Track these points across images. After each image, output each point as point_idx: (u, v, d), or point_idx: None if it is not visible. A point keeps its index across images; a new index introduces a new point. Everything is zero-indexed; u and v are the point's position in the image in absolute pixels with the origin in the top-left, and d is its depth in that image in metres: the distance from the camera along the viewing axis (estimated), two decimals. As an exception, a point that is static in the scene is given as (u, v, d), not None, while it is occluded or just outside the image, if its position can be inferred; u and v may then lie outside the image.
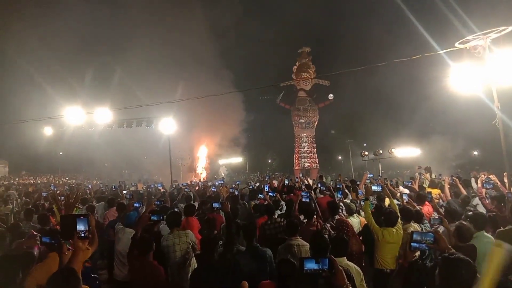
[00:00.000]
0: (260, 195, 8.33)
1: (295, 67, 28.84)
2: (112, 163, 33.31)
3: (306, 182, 12.64)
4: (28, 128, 21.65)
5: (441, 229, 5.84)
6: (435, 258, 4.34)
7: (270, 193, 8.65)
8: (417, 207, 6.26)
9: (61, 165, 28.37)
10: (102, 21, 25.89)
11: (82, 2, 26.07)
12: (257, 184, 15.01)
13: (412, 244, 3.35)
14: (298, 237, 4.83)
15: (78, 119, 18.12)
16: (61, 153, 28.98)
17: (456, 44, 9.26)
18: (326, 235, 5.55)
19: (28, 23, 23.99)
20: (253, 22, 29.49)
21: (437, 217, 5.66)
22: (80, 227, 2.99)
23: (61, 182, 25.95)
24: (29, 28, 23.89)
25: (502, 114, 8.76)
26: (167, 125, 18.88)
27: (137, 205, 6.70)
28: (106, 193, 13.36)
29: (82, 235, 3.00)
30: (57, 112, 17.06)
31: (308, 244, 4.52)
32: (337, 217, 6.15)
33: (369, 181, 9.43)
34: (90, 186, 16.37)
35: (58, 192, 13.00)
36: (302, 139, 28.87)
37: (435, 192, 8.34)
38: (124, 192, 11.77)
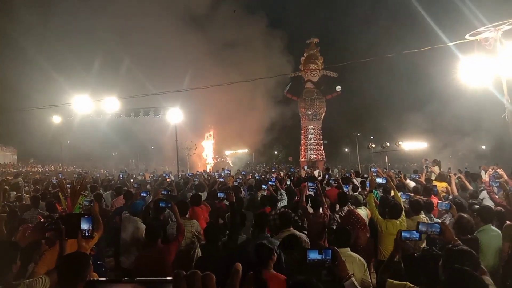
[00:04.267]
0: (264, 186, 8.33)
1: (303, 58, 28.60)
2: (119, 152, 33.56)
3: (312, 174, 12.63)
4: (37, 116, 21.82)
5: (447, 220, 5.84)
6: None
7: (269, 182, 8.66)
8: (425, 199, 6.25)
9: (69, 154, 28.58)
10: (111, 10, 25.86)
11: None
12: (262, 176, 15.02)
13: (403, 234, 3.33)
14: (292, 228, 4.86)
15: (86, 107, 18.20)
16: (68, 141, 29.18)
17: (467, 36, 9.11)
18: (335, 226, 5.60)
19: (38, 10, 24.07)
20: (261, 13, 29.11)
21: (446, 203, 5.63)
22: (84, 226, 3.07)
23: (68, 171, 26.21)
24: (39, 16, 23.99)
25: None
26: (174, 115, 18.92)
27: (144, 194, 6.74)
28: (113, 182, 13.46)
29: (86, 234, 3.08)
30: (66, 101, 17.15)
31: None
32: (346, 208, 6.15)
33: (374, 173, 9.37)
34: (98, 175, 16.51)
35: (65, 180, 13.13)
36: (309, 130, 28.75)
37: (442, 185, 8.28)
38: (131, 180, 11.86)
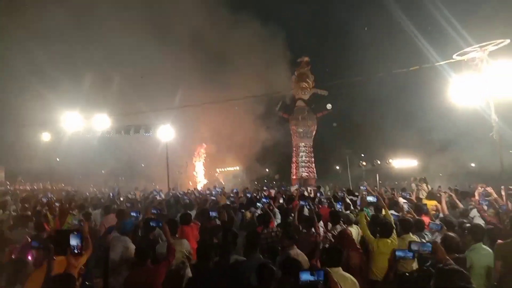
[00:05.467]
0: (258, 204, 8.27)
1: (294, 76, 28.93)
2: (109, 169, 33.20)
3: (306, 193, 12.62)
4: (26, 133, 21.56)
5: (438, 239, 5.85)
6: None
7: (264, 199, 8.59)
8: (416, 217, 6.28)
9: (58, 171, 28.17)
10: (101, 27, 25.95)
11: (80, 8, 26.05)
12: (254, 193, 14.95)
13: (397, 253, 3.33)
14: (295, 247, 4.83)
15: (76, 125, 18.08)
16: (58, 159, 28.81)
17: (454, 56, 9.34)
18: (327, 245, 5.57)
19: (27, 27, 24.04)
20: (252, 31, 29.50)
21: (438, 223, 5.65)
22: (73, 242, 3.04)
23: (57, 188, 25.79)
24: (27, 32, 23.95)
25: (500, 126, 8.78)
26: (165, 132, 18.84)
27: (134, 214, 6.64)
28: (102, 200, 13.27)
29: (75, 251, 3.05)
30: (55, 118, 17.01)
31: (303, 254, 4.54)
32: (339, 227, 6.14)
33: (365, 191, 9.39)
34: (87, 193, 16.28)
35: (54, 199, 12.91)
36: (300, 148, 28.87)
37: (432, 203, 8.32)
38: (121, 199, 11.71)
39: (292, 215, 6.65)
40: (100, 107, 20.07)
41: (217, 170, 35.39)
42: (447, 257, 3.25)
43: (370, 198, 6.72)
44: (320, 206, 9.30)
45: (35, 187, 26.87)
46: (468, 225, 5.31)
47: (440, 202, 8.06)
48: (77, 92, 23.14)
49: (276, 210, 7.90)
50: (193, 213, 8.21)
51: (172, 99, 21.73)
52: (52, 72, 23.64)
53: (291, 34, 29.84)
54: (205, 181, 30.63)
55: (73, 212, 6.49)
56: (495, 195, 8.25)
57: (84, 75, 24.23)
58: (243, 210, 8.46)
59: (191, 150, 30.43)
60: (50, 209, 6.63)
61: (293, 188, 16.33)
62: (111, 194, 14.38)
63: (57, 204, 6.84)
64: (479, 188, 8.88)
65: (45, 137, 20.38)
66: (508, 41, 8.63)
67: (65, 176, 30.27)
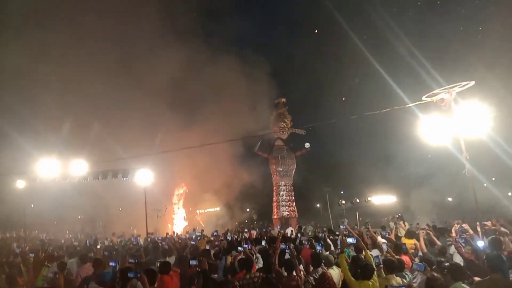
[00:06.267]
0: (240, 248, 8.16)
1: (272, 117, 29.53)
2: (85, 215, 32.23)
3: (287, 234, 12.55)
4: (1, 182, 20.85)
5: (418, 278, 5.90)
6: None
7: (245, 245, 8.48)
8: (396, 257, 6.32)
9: (32, 218, 27.11)
10: (77, 73, 26.05)
11: (57, 52, 26.11)
12: (235, 236, 14.77)
13: None
14: None
15: (52, 171, 17.67)
16: (32, 205, 27.83)
17: (424, 98, 9.78)
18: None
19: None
20: (230, 75, 30.18)
21: (421, 263, 5.70)
22: None
23: (31, 236, 24.79)
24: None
25: (471, 165, 9.09)
26: (143, 177, 18.57)
27: (113, 264, 6.42)
28: (78, 248, 12.81)
29: None
30: (30, 164, 16.61)
31: None
32: (320, 270, 6.09)
33: (344, 230, 9.42)
34: (63, 241, 15.67)
35: (27, 248, 12.37)
36: (281, 187, 28.94)
37: (411, 242, 8.43)
38: (98, 246, 11.34)
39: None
40: (77, 152, 19.79)
41: (197, 211, 34.81)
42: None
43: (349, 240, 6.75)
44: (302, 246, 9.26)
45: (7, 235, 25.75)
46: (447, 264, 5.37)
47: (418, 240, 8.18)
48: (53, 138, 22.82)
49: (258, 255, 7.82)
50: (172, 259, 8.02)
51: (150, 143, 21.69)
52: (28, 119, 23.37)
53: (269, 76, 30.52)
54: (185, 223, 30.04)
55: (47, 264, 6.20)
56: (471, 232, 8.43)
57: (60, 121, 24.01)
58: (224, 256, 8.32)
59: (170, 193, 30.04)
60: (24, 260, 6.33)
61: (276, 231, 16.24)
62: (87, 242, 13.90)
63: (31, 254, 6.53)
64: (456, 225, 9.07)
65: (20, 184, 19.80)
66: (472, 83, 9.13)
67: (38, 223, 29.15)
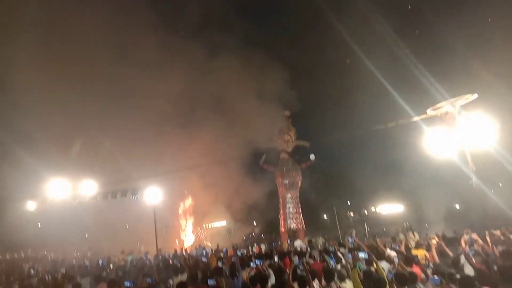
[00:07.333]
0: (252, 264, 8.21)
1: (277, 130, 29.69)
2: (91, 233, 32.29)
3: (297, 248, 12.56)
4: (9, 206, 21.00)
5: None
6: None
7: (256, 260, 8.48)
8: (408, 270, 6.36)
9: (40, 238, 27.20)
10: (85, 95, 26.33)
11: (63, 71, 26.42)
12: (244, 250, 14.78)
13: None
14: None
15: (62, 193, 17.80)
16: (39, 225, 27.98)
17: (428, 111, 9.88)
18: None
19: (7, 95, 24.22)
20: (235, 88, 30.45)
21: (437, 278, 5.74)
22: None
23: (39, 256, 24.84)
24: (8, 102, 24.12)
25: (478, 176, 9.11)
26: (152, 195, 18.67)
27: (128, 284, 6.52)
28: (88, 267, 12.86)
29: None
30: (40, 186, 16.77)
31: None
32: (333, 285, 6.13)
33: (351, 243, 9.45)
34: (74, 261, 15.73)
35: (40, 269, 12.43)
36: (287, 200, 28.91)
37: (421, 253, 8.44)
38: (111, 266, 11.41)
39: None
40: (86, 173, 19.95)
41: (204, 226, 34.77)
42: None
43: (361, 255, 6.80)
44: (311, 260, 9.28)
45: (16, 256, 25.84)
46: (458, 276, 5.43)
47: (429, 250, 8.21)
48: (61, 159, 23.02)
49: (270, 271, 7.86)
50: (183, 277, 8.08)
51: (158, 161, 21.81)
52: (37, 142, 23.60)
53: (273, 90, 30.72)
54: (192, 239, 30.04)
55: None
56: (480, 241, 8.44)
57: (70, 142, 24.23)
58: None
59: (177, 209, 30.12)
60: (41, 282, 6.43)
61: (285, 244, 16.25)
62: (100, 261, 13.94)
63: (47, 276, 6.63)
64: (465, 235, 9.08)
65: (30, 206, 19.94)
66: (476, 95, 9.23)
67: (47, 243, 29.20)
